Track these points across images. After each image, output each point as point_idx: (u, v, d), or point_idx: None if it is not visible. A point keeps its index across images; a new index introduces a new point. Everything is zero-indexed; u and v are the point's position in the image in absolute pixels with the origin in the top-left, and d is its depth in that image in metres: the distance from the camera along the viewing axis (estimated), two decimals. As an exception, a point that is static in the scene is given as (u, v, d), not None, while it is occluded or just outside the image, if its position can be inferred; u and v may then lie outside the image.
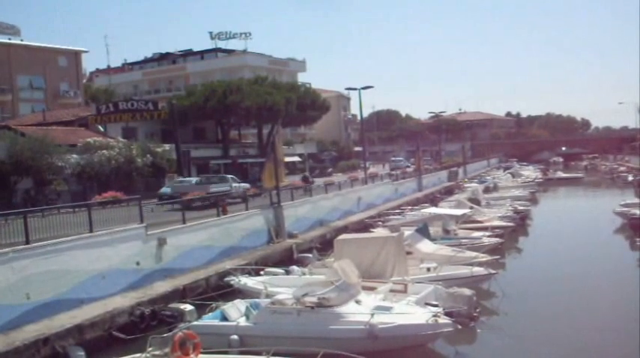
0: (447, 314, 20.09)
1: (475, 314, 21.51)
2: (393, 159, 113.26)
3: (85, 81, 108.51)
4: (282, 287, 24.08)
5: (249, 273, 27.80)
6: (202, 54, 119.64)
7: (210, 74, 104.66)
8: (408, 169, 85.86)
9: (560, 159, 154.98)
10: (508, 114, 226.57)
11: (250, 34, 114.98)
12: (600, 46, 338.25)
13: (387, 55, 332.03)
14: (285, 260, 33.35)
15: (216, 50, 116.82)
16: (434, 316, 19.33)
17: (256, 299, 22.30)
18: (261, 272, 28.08)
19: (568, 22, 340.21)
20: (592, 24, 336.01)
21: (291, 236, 38.15)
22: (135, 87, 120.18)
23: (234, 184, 50.18)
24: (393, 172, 78.55)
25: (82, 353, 19.12)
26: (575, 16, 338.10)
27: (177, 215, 31.56)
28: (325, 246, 35.43)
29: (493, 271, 27.27)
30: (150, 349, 16.02)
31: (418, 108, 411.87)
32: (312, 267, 29.10)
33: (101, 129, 63.67)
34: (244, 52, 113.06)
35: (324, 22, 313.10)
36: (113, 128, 64.74)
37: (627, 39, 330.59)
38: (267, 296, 22.75)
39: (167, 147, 58.69)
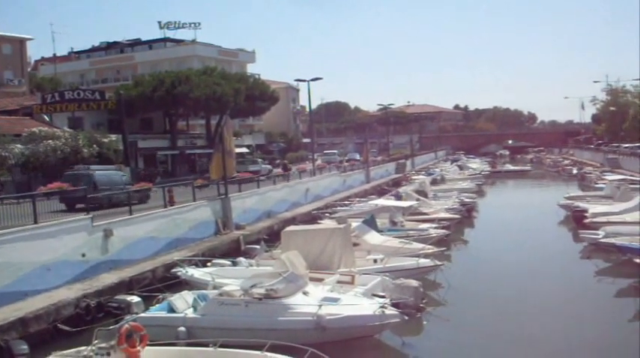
0: (394, 305, 20.26)
1: (422, 305, 21.72)
2: (326, 152, 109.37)
3: (30, 69, 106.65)
4: (229, 278, 24.10)
5: (197, 265, 27.73)
6: (151, 43, 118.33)
7: (158, 64, 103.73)
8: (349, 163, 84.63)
9: (507, 152, 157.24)
10: (456, 107, 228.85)
11: (200, 24, 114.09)
12: (546, 41, 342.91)
13: (336, 47, 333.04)
14: (233, 251, 33.33)
15: (164, 40, 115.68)
16: (381, 307, 19.50)
17: (204, 291, 22.29)
18: (209, 264, 28.01)
19: (514, 17, 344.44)
20: (538, 20, 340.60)
21: (238, 227, 38.11)
22: (82, 76, 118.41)
23: (262, 165, 72.40)
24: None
25: (24, 346, 18.82)
26: (522, 12, 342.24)
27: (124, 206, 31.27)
28: (273, 238, 35.39)
29: (439, 262, 27.65)
30: (96, 341, 15.83)
31: (367, 100, 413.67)
32: (259, 258, 29.07)
33: (46, 118, 62.64)
34: (193, 42, 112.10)
35: (274, 13, 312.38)
36: (59, 118, 63.77)
37: (572, 35, 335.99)
38: (215, 287, 22.73)
39: (114, 137, 57.93)
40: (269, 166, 76.20)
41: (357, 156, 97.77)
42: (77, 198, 31.84)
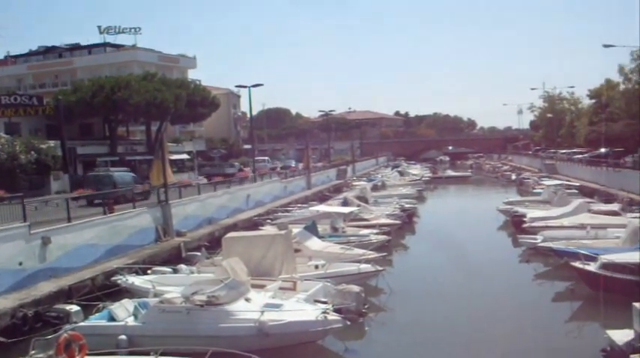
0: (336, 310, 20.38)
1: (363, 311, 21.92)
2: (257, 159, 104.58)
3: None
4: (170, 286, 23.92)
5: (137, 272, 27.52)
6: (90, 48, 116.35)
7: (98, 69, 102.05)
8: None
9: (447, 158, 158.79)
10: (397, 113, 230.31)
11: (140, 29, 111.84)
12: (485, 48, 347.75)
13: (278, 53, 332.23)
14: (173, 258, 33.10)
15: (104, 45, 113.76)
16: (323, 313, 19.59)
17: (144, 299, 22.08)
18: (149, 271, 27.78)
19: (453, 24, 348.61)
20: (476, 27, 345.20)
21: (179, 234, 37.87)
22: (19, 81, 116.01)
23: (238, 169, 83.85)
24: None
25: (-42, 358, 18.48)
26: (460, 19, 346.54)
27: (63, 213, 30.82)
28: (214, 244, 35.16)
29: (380, 268, 27.79)
30: (33, 352, 15.58)
31: (308, 106, 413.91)
32: (200, 265, 28.97)
33: (-19, 124, 61.56)
34: (134, 47, 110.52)
35: (215, 18, 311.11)
36: (-5, 123, 62.72)
37: (510, 42, 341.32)
38: (156, 295, 22.57)
39: (52, 143, 57.06)
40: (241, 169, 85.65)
41: (293, 164, 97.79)
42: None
